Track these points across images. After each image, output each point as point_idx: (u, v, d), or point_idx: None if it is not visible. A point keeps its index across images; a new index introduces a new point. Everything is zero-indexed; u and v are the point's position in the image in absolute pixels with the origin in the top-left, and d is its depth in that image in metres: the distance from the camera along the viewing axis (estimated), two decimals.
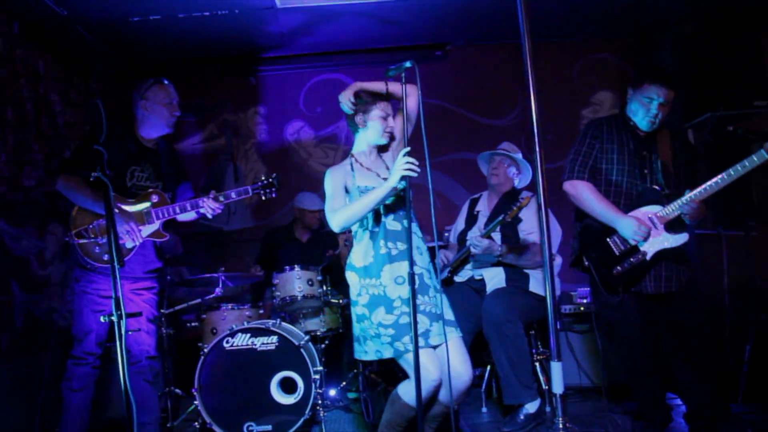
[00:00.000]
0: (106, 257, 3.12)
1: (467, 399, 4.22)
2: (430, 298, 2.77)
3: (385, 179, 2.80)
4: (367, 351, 2.79)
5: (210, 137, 5.79)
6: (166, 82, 3.37)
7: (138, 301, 3.32)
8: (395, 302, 2.73)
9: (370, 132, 2.89)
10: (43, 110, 4.35)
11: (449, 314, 2.85)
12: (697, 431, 3.13)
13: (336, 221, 2.78)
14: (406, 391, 2.77)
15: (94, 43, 4.74)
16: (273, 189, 3.42)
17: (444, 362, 2.65)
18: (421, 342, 2.67)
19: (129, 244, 3.19)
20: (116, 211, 3.15)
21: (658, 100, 3.10)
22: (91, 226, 3.15)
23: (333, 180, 2.86)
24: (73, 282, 3.27)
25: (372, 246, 2.81)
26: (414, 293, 2.53)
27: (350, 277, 2.87)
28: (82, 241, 3.13)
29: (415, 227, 2.83)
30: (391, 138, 2.94)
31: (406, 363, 2.71)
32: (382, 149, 2.98)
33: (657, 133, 3.23)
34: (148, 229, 3.25)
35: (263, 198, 3.41)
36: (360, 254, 2.85)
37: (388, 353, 2.71)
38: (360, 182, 2.84)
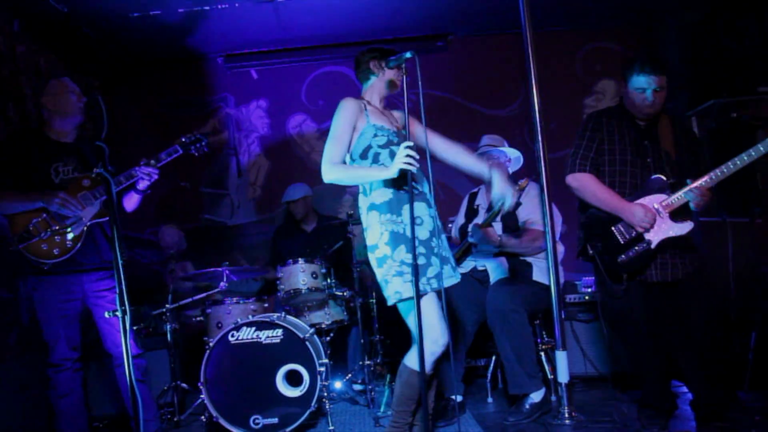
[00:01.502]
0: (56, 251, 3.09)
1: (473, 389, 4.26)
2: (441, 241, 2.83)
3: (396, 127, 2.91)
4: (389, 295, 2.77)
5: (213, 132, 5.79)
6: (61, 77, 3.36)
7: (102, 303, 3.27)
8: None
9: (381, 80, 2.93)
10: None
11: (452, 258, 2.94)
12: (703, 418, 3.12)
13: (327, 174, 2.79)
14: (411, 359, 2.78)
15: (94, 39, 4.74)
16: (202, 143, 3.42)
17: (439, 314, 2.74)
18: (435, 283, 2.74)
19: (76, 231, 3.14)
20: (45, 196, 3.10)
21: (651, 87, 3.09)
22: (31, 227, 3.10)
23: (346, 112, 2.82)
24: (32, 292, 3.22)
25: (391, 184, 2.80)
26: (418, 288, 2.54)
27: (371, 217, 2.83)
28: (26, 244, 3.08)
29: (421, 175, 2.90)
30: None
31: (417, 314, 2.66)
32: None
33: (658, 122, 3.21)
34: (89, 213, 3.19)
35: (196, 154, 3.41)
36: (380, 192, 2.82)
37: (410, 292, 2.67)
38: (375, 121, 2.85)
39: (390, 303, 2.79)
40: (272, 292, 4.66)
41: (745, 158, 2.87)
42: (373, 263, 2.83)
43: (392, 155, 2.80)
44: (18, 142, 3.28)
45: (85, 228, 3.18)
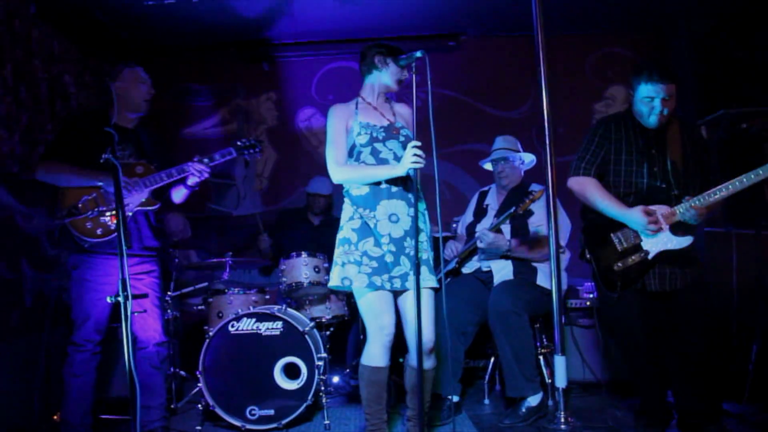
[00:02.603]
0: (99, 231, 3.12)
1: (470, 390, 4.26)
2: (421, 244, 2.81)
3: (389, 121, 2.92)
4: (335, 277, 2.83)
5: (222, 122, 5.81)
6: (136, 67, 3.41)
7: (140, 286, 3.30)
8: (383, 238, 2.79)
9: (385, 74, 2.94)
10: (57, 91, 4.38)
11: (430, 261, 2.91)
12: (684, 427, 3.13)
13: (336, 176, 2.88)
14: (365, 355, 2.86)
15: (108, 26, 4.76)
16: (257, 150, 3.44)
17: (411, 317, 2.77)
18: (397, 283, 2.78)
19: (129, 200, 3.17)
20: (105, 179, 3.13)
21: (659, 96, 3.02)
22: (80, 204, 3.13)
23: (335, 118, 2.92)
24: (71, 269, 3.25)
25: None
26: (418, 284, 2.55)
27: (346, 202, 2.92)
28: (72, 218, 3.12)
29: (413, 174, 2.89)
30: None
31: (367, 305, 2.79)
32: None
33: (667, 130, 3.16)
34: (136, 199, 3.22)
35: (247, 159, 3.44)
36: (356, 185, 2.89)
37: (359, 283, 2.75)
38: (362, 119, 2.89)
39: (330, 285, 2.88)
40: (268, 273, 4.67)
41: (745, 180, 2.82)
42: (336, 240, 2.90)
43: (374, 153, 2.86)
44: (82, 120, 3.33)
45: (131, 213, 3.22)
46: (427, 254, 2.88)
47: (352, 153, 2.91)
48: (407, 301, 2.84)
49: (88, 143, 3.16)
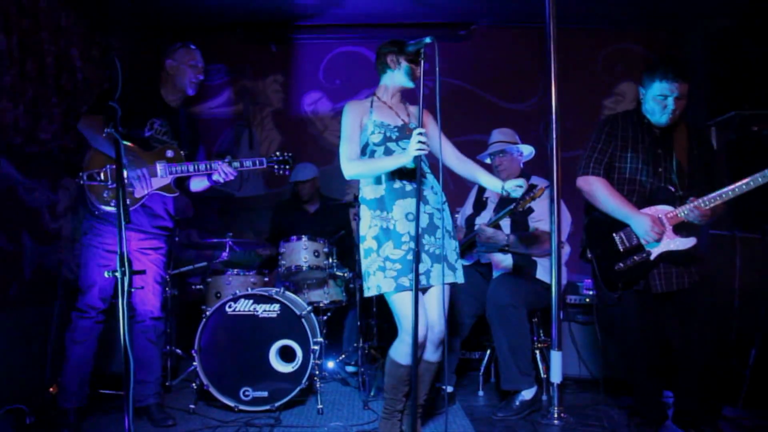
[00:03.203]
0: (113, 203, 3.15)
1: (464, 381, 4.26)
2: (436, 240, 2.83)
3: (403, 121, 2.93)
4: (369, 287, 2.85)
5: (228, 102, 5.78)
6: (193, 47, 3.47)
7: (144, 260, 3.36)
8: (404, 237, 2.79)
9: (398, 73, 2.94)
10: (64, 65, 4.34)
11: (453, 258, 2.90)
12: (681, 426, 3.11)
13: (347, 171, 2.87)
14: (393, 348, 2.87)
15: (117, 1, 4.72)
16: (287, 167, 3.47)
17: (429, 309, 2.82)
18: (423, 280, 2.78)
19: (138, 193, 3.21)
20: (130, 156, 3.18)
21: (673, 95, 2.98)
22: (103, 170, 3.17)
23: (350, 115, 2.92)
24: (81, 234, 3.31)
25: (385, 180, 2.86)
26: (417, 270, 2.54)
27: (363, 210, 2.93)
28: (92, 183, 3.15)
29: (428, 170, 2.93)
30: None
31: (397, 306, 2.79)
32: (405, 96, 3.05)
33: (674, 131, 3.13)
34: (158, 182, 3.26)
35: (276, 173, 3.46)
36: (371, 187, 2.90)
37: (388, 287, 2.76)
38: (377, 117, 2.90)
39: (366, 294, 2.89)
40: (271, 269, 4.68)
41: (752, 183, 2.77)
42: (361, 253, 2.92)
43: (387, 152, 2.87)
44: (132, 85, 3.26)
45: (147, 194, 3.24)
46: (446, 250, 2.86)
47: (365, 151, 2.92)
48: (428, 297, 2.87)
49: (128, 107, 3.09)
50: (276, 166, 3.43)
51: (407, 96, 3.07)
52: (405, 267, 2.76)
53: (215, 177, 3.34)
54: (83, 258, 3.28)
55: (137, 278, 3.24)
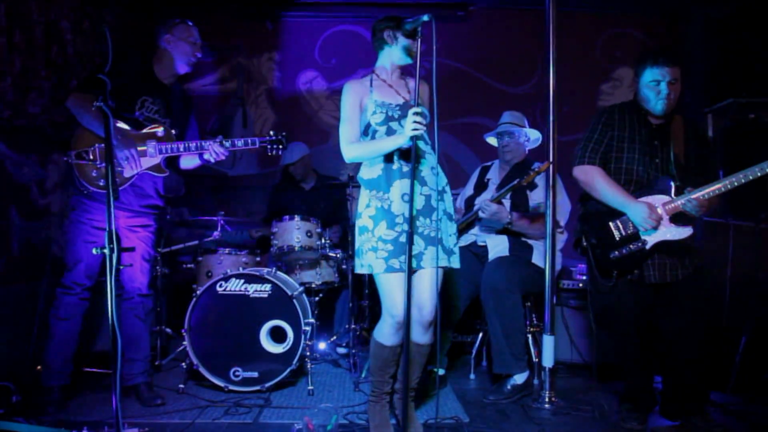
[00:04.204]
0: (101, 182, 3.11)
1: (456, 364, 4.26)
2: (432, 222, 2.78)
3: (404, 99, 2.87)
4: (362, 264, 2.82)
5: (222, 80, 5.71)
6: (191, 23, 3.41)
7: (133, 238, 3.31)
8: (398, 218, 2.76)
9: (396, 49, 2.87)
10: (54, 37, 4.25)
11: (448, 240, 2.86)
12: (668, 414, 3.14)
13: (347, 154, 2.83)
14: (377, 329, 2.87)
15: None
16: (280, 147, 3.40)
17: (420, 290, 2.77)
18: (414, 263, 2.73)
19: (127, 173, 3.17)
20: (119, 136, 3.13)
21: (665, 79, 2.99)
22: (92, 149, 3.12)
23: (350, 95, 2.86)
24: (69, 210, 3.26)
25: (382, 160, 2.82)
26: (410, 251, 2.52)
27: (361, 190, 2.90)
28: (80, 161, 3.11)
29: (429, 150, 2.87)
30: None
31: (382, 285, 2.78)
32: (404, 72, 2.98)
33: (671, 123, 3.13)
34: (148, 162, 3.21)
35: (269, 153, 3.39)
36: (369, 168, 2.87)
37: (379, 268, 2.74)
38: (377, 97, 2.85)
39: (356, 270, 2.88)
40: (265, 249, 4.64)
41: (750, 175, 2.78)
42: (356, 230, 2.89)
43: (389, 132, 2.82)
44: (123, 63, 3.18)
45: (137, 173, 3.19)
46: (441, 233, 2.81)
47: (368, 132, 2.86)
48: (419, 279, 2.81)
49: (119, 83, 3.02)
50: (269, 146, 3.37)
51: (407, 71, 3.01)
52: (396, 248, 2.73)
53: (206, 156, 3.29)
54: (70, 234, 3.23)
55: (125, 256, 3.20)
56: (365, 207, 2.84)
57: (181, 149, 3.25)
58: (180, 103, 3.46)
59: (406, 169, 2.79)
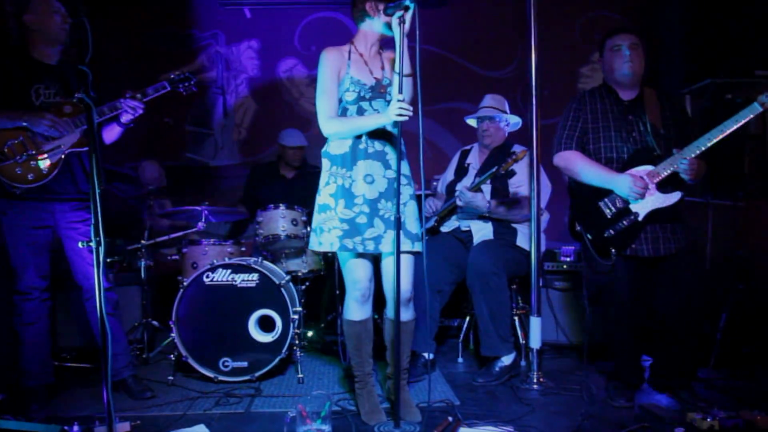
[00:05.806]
0: (30, 176, 2.98)
1: (444, 348, 4.29)
2: (393, 206, 2.75)
3: (376, 78, 2.84)
4: (321, 242, 2.82)
5: (201, 69, 5.64)
6: None
7: (75, 235, 3.18)
8: (357, 199, 2.77)
9: (377, 21, 2.81)
10: None
11: (412, 226, 2.86)
12: (657, 387, 3.20)
13: (326, 129, 2.81)
14: (344, 310, 2.92)
15: None
16: (190, 83, 3.34)
17: (389, 273, 2.80)
18: (370, 246, 2.77)
19: (52, 158, 3.02)
20: (34, 119, 2.98)
21: (625, 43, 3.14)
22: (6, 148, 2.96)
23: (329, 63, 2.80)
24: (1, 216, 3.09)
25: (351, 137, 2.80)
26: (398, 239, 2.53)
27: (324, 164, 2.87)
28: (1, 164, 2.96)
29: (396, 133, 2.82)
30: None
31: (342, 261, 2.84)
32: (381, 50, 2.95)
33: (642, 97, 3.19)
34: (69, 140, 3.07)
35: (183, 93, 3.32)
36: (338, 142, 2.83)
37: (330, 247, 2.78)
38: (354, 73, 2.81)
39: (311, 248, 2.91)
40: (239, 233, 4.62)
41: (732, 124, 2.87)
42: (315, 206, 2.88)
43: (359, 112, 2.80)
44: (4, 51, 3.13)
45: (63, 156, 3.06)
46: (403, 217, 2.80)
47: (340, 107, 2.84)
48: (386, 260, 2.85)
49: (5, 82, 3.01)
50: (180, 86, 3.30)
51: (385, 46, 2.97)
52: (351, 229, 2.74)
53: (124, 119, 3.15)
54: (10, 240, 3.09)
55: (74, 255, 3.15)
56: (325, 185, 2.83)
57: (95, 116, 3.12)
58: (77, 81, 3.21)
59: (372, 150, 2.79)
